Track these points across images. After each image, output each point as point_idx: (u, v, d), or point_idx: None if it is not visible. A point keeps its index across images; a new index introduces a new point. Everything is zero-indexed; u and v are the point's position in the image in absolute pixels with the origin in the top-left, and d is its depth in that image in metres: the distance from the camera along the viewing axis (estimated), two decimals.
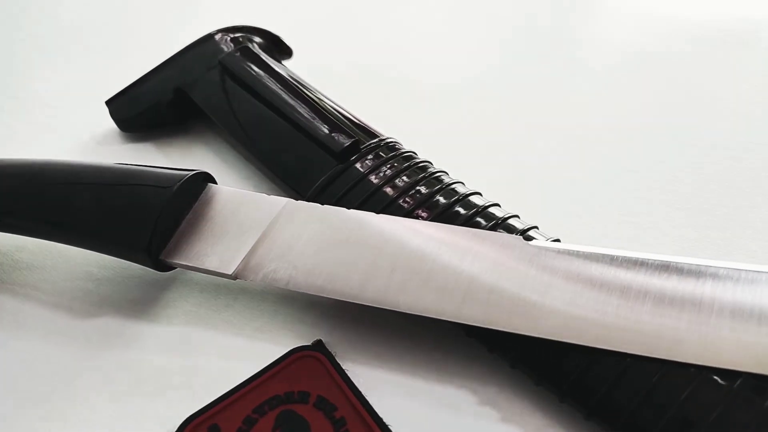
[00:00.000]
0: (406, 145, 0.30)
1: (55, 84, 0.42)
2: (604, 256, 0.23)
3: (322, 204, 0.27)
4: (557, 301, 0.22)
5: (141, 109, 0.35)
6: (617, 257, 0.23)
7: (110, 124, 0.37)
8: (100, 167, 0.28)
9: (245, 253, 0.25)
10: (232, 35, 0.36)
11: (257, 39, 0.37)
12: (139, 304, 0.29)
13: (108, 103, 0.36)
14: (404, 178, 0.28)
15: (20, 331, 0.28)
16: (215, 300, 0.28)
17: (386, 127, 0.32)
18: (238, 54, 0.34)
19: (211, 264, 0.25)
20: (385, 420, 0.22)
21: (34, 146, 0.38)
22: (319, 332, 0.26)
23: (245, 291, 0.28)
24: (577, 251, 0.23)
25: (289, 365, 0.24)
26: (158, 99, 0.35)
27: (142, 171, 0.27)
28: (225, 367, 0.25)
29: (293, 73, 0.34)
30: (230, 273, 0.25)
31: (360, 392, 0.23)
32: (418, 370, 0.25)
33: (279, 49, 0.37)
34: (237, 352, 0.26)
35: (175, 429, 0.23)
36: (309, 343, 0.25)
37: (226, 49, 0.35)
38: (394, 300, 0.23)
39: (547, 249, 0.23)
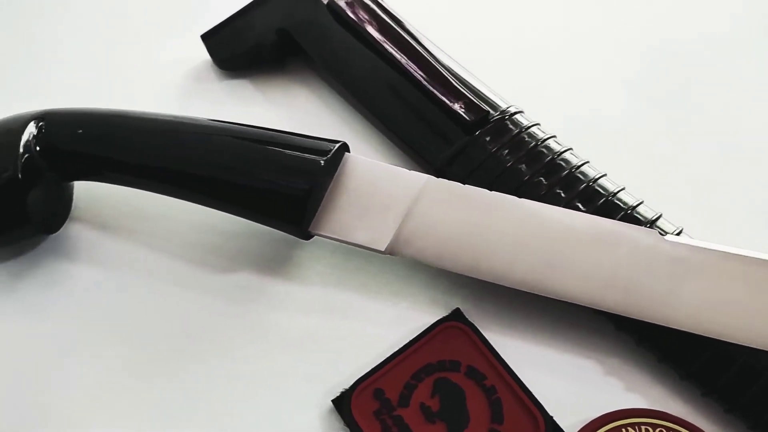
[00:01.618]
0: (528, 112, 0.31)
1: (150, 14, 0.39)
2: (735, 255, 0.25)
3: (451, 178, 0.28)
4: (689, 295, 0.25)
5: (241, 49, 0.34)
6: (748, 257, 0.25)
7: (204, 57, 0.36)
8: (241, 130, 0.28)
9: (394, 230, 0.27)
10: None
11: None
12: (272, 262, 0.30)
13: (204, 37, 0.35)
14: (533, 155, 0.29)
15: (159, 284, 0.30)
16: (347, 263, 0.30)
17: (504, 89, 0.32)
18: (345, 1, 0.32)
19: (361, 239, 0.27)
20: (529, 389, 0.26)
21: (131, 81, 0.36)
22: (454, 299, 0.29)
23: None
24: (710, 248, 0.25)
25: (437, 335, 0.27)
26: (260, 39, 0.34)
27: (289, 140, 0.27)
28: (368, 332, 0.28)
29: (408, 23, 0.33)
30: (382, 249, 0.27)
31: (505, 362, 0.26)
32: (547, 338, 0.28)
33: None
34: (378, 317, 0.28)
35: (341, 390, 0.26)
36: (447, 312, 0.28)
37: None
38: (539, 284, 0.26)
39: (680, 244, 0.26)
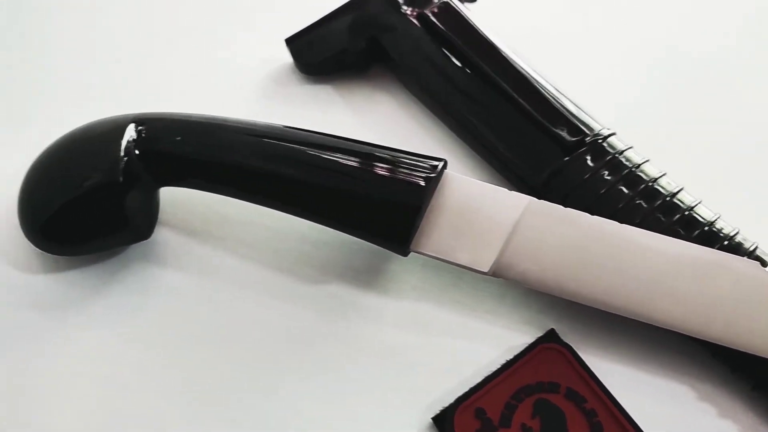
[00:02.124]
0: (620, 133, 0.31)
1: (233, 14, 0.39)
2: None
3: (547, 199, 0.28)
4: None
5: (327, 54, 0.34)
6: None
7: (286, 60, 0.36)
8: (343, 144, 0.28)
9: (498, 252, 0.27)
10: None
11: None
12: (363, 274, 0.30)
13: (288, 41, 0.34)
14: (630, 179, 0.29)
15: (248, 292, 0.30)
16: (439, 278, 0.30)
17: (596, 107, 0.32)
18: (442, 10, 0.32)
19: (464, 259, 0.27)
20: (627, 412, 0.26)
21: (212, 81, 0.36)
22: (547, 319, 0.29)
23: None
24: None
25: (536, 356, 0.27)
26: (347, 45, 0.34)
27: (393, 156, 0.27)
28: (464, 349, 0.28)
29: (500, 38, 0.33)
30: (485, 271, 0.27)
31: (603, 385, 0.27)
32: (641, 360, 0.28)
33: None
34: (473, 334, 0.29)
35: (441, 408, 0.27)
36: (541, 331, 0.28)
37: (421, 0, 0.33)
38: (641, 311, 0.26)
39: None
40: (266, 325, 0.29)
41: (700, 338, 0.26)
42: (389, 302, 0.30)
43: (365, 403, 0.27)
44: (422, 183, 0.27)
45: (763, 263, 0.27)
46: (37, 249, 0.29)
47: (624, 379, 0.27)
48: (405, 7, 0.33)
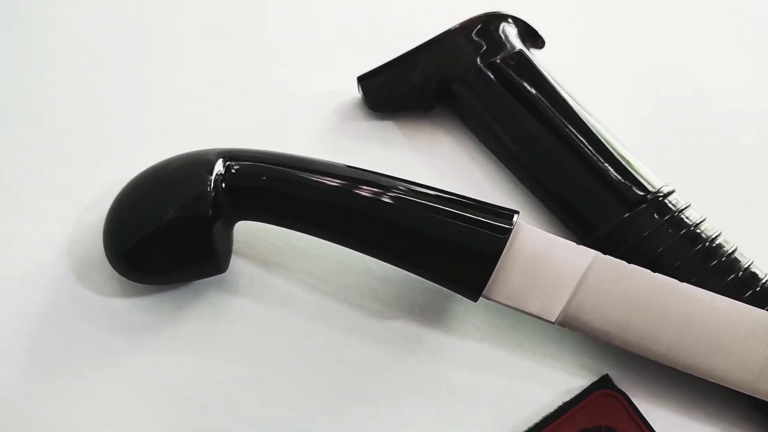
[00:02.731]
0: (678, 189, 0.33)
1: (302, 49, 0.39)
2: None
3: (606, 252, 0.30)
4: None
5: (397, 95, 0.35)
6: None
7: (353, 94, 0.37)
8: (421, 191, 0.29)
9: (565, 302, 0.29)
10: (495, 27, 0.35)
11: (515, 27, 0.36)
12: (428, 312, 0.32)
13: (360, 79, 0.35)
14: (689, 237, 0.31)
15: (319, 323, 0.32)
16: (501, 319, 0.32)
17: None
18: (515, 62, 0.34)
19: (533, 309, 0.29)
20: None
21: (277, 112, 0.37)
22: (602, 365, 0.31)
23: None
24: None
25: (592, 402, 0.29)
26: (417, 88, 0.35)
27: (469, 205, 0.29)
28: (525, 390, 0.30)
29: (569, 91, 0.34)
30: (553, 320, 0.29)
31: (654, 430, 0.29)
32: (687, 408, 0.30)
33: (531, 39, 0.37)
34: (533, 376, 0.31)
35: None
36: (596, 376, 0.30)
37: (494, 45, 0.34)
38: (698, 368, 0.28)
39: None
40: (335, 356, 0.31)
41: (750, 394, 0.28)
42: (453, 341, 0.31)
43: None
44: (500, 234, 0.28)
45: None
46: (120, 276, 0.30)
47: (673, 425, 0.30)
48: (479, 54, 0.34)
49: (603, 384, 0.30)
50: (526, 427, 0.29)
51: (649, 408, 0.30)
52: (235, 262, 0.32)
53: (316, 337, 0.31)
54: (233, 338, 0.31)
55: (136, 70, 0.38)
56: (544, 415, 0.29)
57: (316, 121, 0.37)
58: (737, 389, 0.28)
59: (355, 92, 0.37)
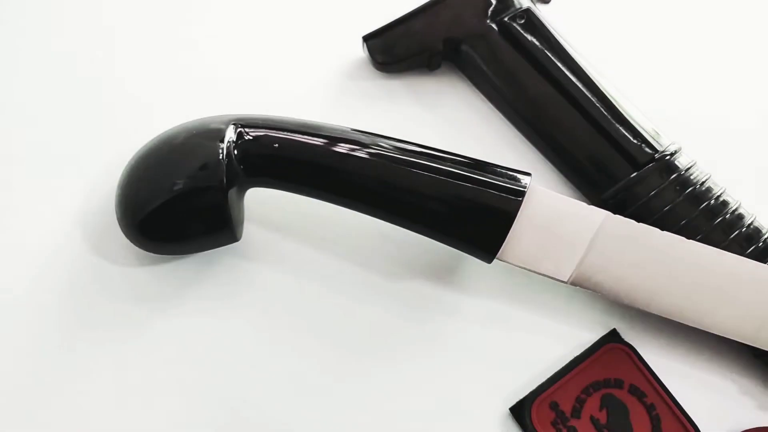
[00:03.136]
0: (685, 147, 0.33)
1: (307, 9, 0.38)
2: None
3: (615, 211, 0.31)
4: None
5: (404, 55, 0.34)
6: None
7: (359, 55, 0.36)
8: (437, 156, 0.29)
9: (576, 263, 0.29)
10: None
11: None
12: (442, 272, 0.33)
13: (366, 38, 0.34)
14: (695, 196, 0.31)
15: (334, 288, 0.32)
16: (512, 277, 0.32)
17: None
18: (524, 20, 0.33)
19: (547, 269, 0.29)
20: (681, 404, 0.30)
21: (286, 75, 0.37)
22: (610, 319, 0.32)
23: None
24: None
25: (602, 355, 0.30)
26: (424, 48, 0.34)
27: (485, 169, 0.29)
28: (536, 345, 0.31)
29: (575, 48, 0.34)
30: (565, 280, 0.29)
31: (661, 381, 0.30)
32: (693, 357, 0.31)
33: None
34: (544, 331, 0.32)
35: (517, 400, 0.30)
36: (605, 330, 0.31)
37: (502, 4, 0.34)
38: (705, 321, 0.29)
39: None
40: (353, 318, 0.31)
41: (752, 345, 0.29)
42: (467, 299, 0.32)
43: (446, 393, 0.30)
44: (514, 196, 0.28)
45: None
46: (134, 246, 0.30)
47: (677, 374, 0.31)
48: (486, 12, 0.34)
49: (612, 338, 0.31)
50: (540, 382, 0.30)
51: (656, 358, 0.31)
52: (249, 229, 0.32)
53: (332, 300, 0.32)
54: (251, 303, 0.31)
55: (141, 37, 0.37)
56: (557, 369, 0.30)
57: (323, 82, 0.36)
58: (740, 341, 0.29)
59: (361, 52, 0.36)
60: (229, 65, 0.36)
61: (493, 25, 0.34)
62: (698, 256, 0.30)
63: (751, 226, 0.31)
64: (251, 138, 0.29)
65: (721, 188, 0.32)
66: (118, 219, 0.30)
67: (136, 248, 0.30)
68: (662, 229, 0.30)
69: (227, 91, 0.35)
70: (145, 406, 0.29)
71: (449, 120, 0.36)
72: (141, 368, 0.30)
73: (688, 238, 0.30)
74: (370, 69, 0.36)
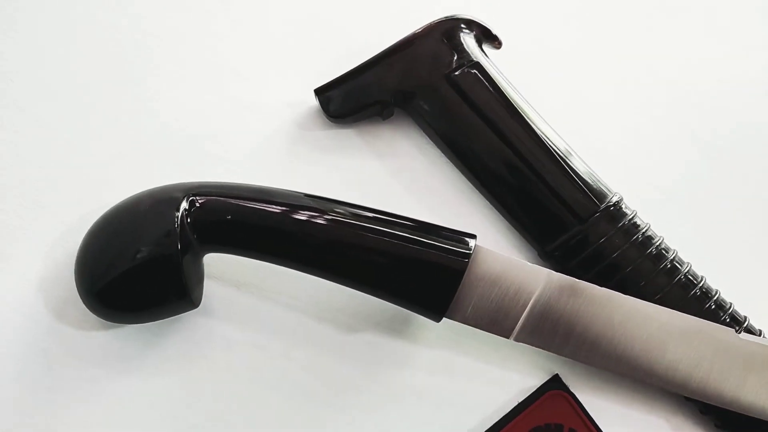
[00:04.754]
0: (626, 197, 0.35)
1: (258, 60, 0.38)
2: None
3: (560, 261, 0.32)
4: (755, 386, 0.31)
5: (356, 107, 0.35)
6: None
7: (311, 104, 0.37)
8: (386, 220, 0.30)
9: (520, 324, 0.31)
10: (451, 34, 0.34)
11: (471, 31, 0.35)
12: (395, 323, 0.34)
13: (317, 92, 0.35)
14: (637, 245, 0.33)
15: (292, 341, 0.34)
16: (461, 328, 0.33)
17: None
18: (472, 73, 0.34)
19: (491, 329, 0.31)
20: None
21: (238, 124, 0.37)
22: (553, 365, 0.34)
23: None
24: None
25: (544, 401, 0.32)
26: (376, 99, 0.35)
27: (432, 232, 0.30)
28: (485, 391, 0.33)
29: (524, 99, 0.35)
30: (510, 338, 0.31)
31: (597, 425, 0.32)
32: (628, 399, 0.34)
33: (488, 41, 0.36)
34: (492, 378, 0.34)
35: None
36: (547, 375, 0.33)
37: (452, 56, 0.34)
38: (635, 373, 0.31)
39: (751, 342, 0.31)
40: (311, 370, 0.33)
41: (682, 395, 0.32)
42: (418, 349, 0.34)
43: None
44: (459, 258, 0.30)
45: (738, 325, 0.32)
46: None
47: (615, 415, 0.33)
48: (436, 66, 0.34)
49: (553, 384, 0.33)
50: (485, 428, 0.32)
51: (595, 401, 0.33)
52: (208, 285, 0.33)
53: (291, 353, 0.33)
54: (212, 359, 0.33)
55: (92, 101, 0.37)
56: (502, 414, 0.32)
57: (277, 133, 0.37)
58: (671, 390, 0.31)
59: (314, 101, 0.37)
60: (182, 124, 0.36)
61: (444, 78, 0.34)
62: (631, 310, 0.31)
63: (688, 274, 0.33)
64: (204, 206, 0.30)
65: (659, 237, 0.34)
66: (77, 288, 0.31)
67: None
68: (610, 276, 0.32)
69: (183, 151, 0.36)
70: None
71: (402, 168, 0.37)
72: (106, 427, 0.31)
73: (632, 281, 0.32)
74: (323, 119, 0.37)
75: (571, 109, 0.39)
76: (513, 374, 0.34)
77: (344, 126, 0.37)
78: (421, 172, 0.37)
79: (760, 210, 0.38)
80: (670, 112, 0.41)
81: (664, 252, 0.33)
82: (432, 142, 0.37)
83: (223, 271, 0.34)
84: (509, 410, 0.32)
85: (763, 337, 0.33)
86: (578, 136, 0.36)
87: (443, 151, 0.36)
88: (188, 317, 0.33)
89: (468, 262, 0.30)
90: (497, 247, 0.34)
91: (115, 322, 0.32)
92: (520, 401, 0.33)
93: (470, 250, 0.30)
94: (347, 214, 0.31)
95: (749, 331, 0.33)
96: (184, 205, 0.30)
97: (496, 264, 0.31)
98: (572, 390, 0.33)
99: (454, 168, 0.37)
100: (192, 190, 0.31)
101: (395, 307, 0.33)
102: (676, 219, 0.37)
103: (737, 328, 0.32)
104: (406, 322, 0.34)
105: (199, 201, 0.30)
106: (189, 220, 0.30)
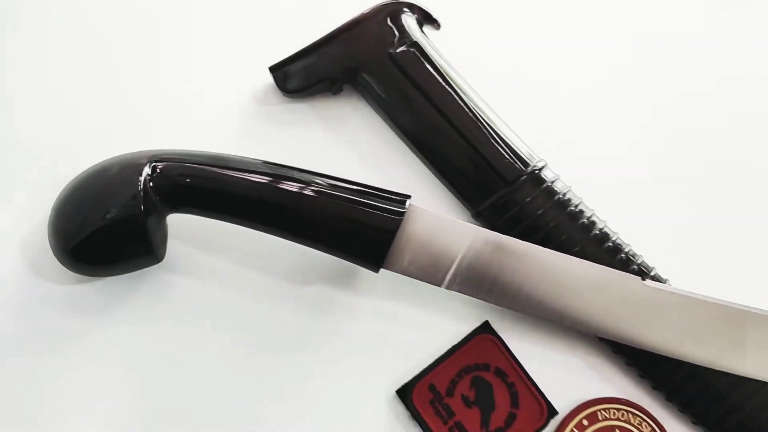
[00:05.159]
0: (551, 163, 0.38)
1: (218, 42, 0.42)
2: (688, 297, 0.35)
3: (489, 220, 0.36)
4: (657, 324, 0.35)
5: (307, 84, 0.39)
6: (698, 299, 0.35)
7: (268, 81, 0.40)
8: (331, 183, 0.34)
9: (450, 274, 0.35)
10: (394, 16, 0.38)
11: (413, 14, 0.39)
12: (341, 277, 0.38)
13: (272, 69, 0.38)
14: (558, 204, 0.37)
15: (249, 294, 0.37)
16: (399, 281, 0.37)
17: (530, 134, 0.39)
18: (411, 51, 0.37)
19: (424, 278, 0.35)
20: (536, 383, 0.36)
21: (199, 103, 0.41)
22: (484, 312, 0.38)
23: None
24: (679, 292, 0.35)
25: (474, 344, 0.36)
26: (326, 75, 0.38)
27: (372, 193, 0.34)
28: (421, 337, 0.37)
29: (459, 74, 0.39)
30: (441, 287, 0.35)
31: (521, 363, 0.36)
32: (548, 342, 0.38)
33: (429, 22, 0.40)
34: (428, 325, 0.37)
35: (402, 384, 0.36)
36: (479, 322, 0.37)
37: (394, 36, 0.38)
38: (554, 317, 0.35)
39: (654, 288, 0.35)
40: (265, 320, 0.37)
41: (596, 335, 0.36)
42: (362, 300, 0.38)
43: (344, 380, 0.36)
44: (394, 216, 0.34)
45: (644, 275, 0.36)
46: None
47: (536, 356, 0.37)
48: (380, 45, 0.38)
49: (483, 329, 0.37)
50: (421, 368, 0.36)
51: (520, 345, 0.37)
52: (173, 244, 0.37)
53: (248, 306, 0.37)
54: (177, 311, 0.37)
55: (69, 79, 0.40)
56: (436, 357, 0.37)
57: (236, 108, 0.41)
58: (585, 332, 0.36)
59: (270, 79, 0.40)
60: (149, 100, 0.40)
61: (386, 57, 0.38)
62: (550, 261, 0.35)
63: (603, 230, 0.37)
64: (165, 172, 0.34)
65: (579, 198, 0.38)
66: (51, 247, 0.34)
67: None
68: (532, 232, 0.36)
69: (149, 125, 0.40)
70: (84, 408, 0.34)
71: (351, 139, 0.41)
72: (83, 375, 0.35)
73: (554, 237, 0.36)
74: (279, 95, 0.40)
75: (506, 84, 0.42)
76: (448, 321, 0.37)
77: (298, 101, 0.41)
78: (368, 141, 0.41)
79: (671, 177, 0.43)
80: (595, 87, 0.45)
81: (582, 211, 0.37)
82: (377, 114, 0.41)
83: (186, 231, 0.37)
84: (443, 353, 0.36)
85: (668, 284, 0.37)
86: (512, 108, 0.40)
87: (387, 122, 0.40)
88: (154, 272, 0.37)
89: (402, 218, 0.34)
90: (435, 208, 0.37)
91: (87, 275, 0.35)
92: (452, 345, 0.37)
93: (404, 208, 0.34)
94: (295, 177, 0.34)
95: (656, 279, 0.37)
96: (147, 170, 0.33)
97: (429, 221, 0.35)
98: (500, 334, 0.37)
99: (397, 137, 0.40)
100: (155, 157, 0.34)
101: (342, 263, 0.37)
102: (595, 182, 0.40)
103: (644, 276, 0.36)
104: (352, 276, 0.38)
105: (161, 167, 0.34)
106: (152, 184, 0.33)
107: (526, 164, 0.37)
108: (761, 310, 0.35)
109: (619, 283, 0.35)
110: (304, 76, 0.39)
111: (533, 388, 0.36)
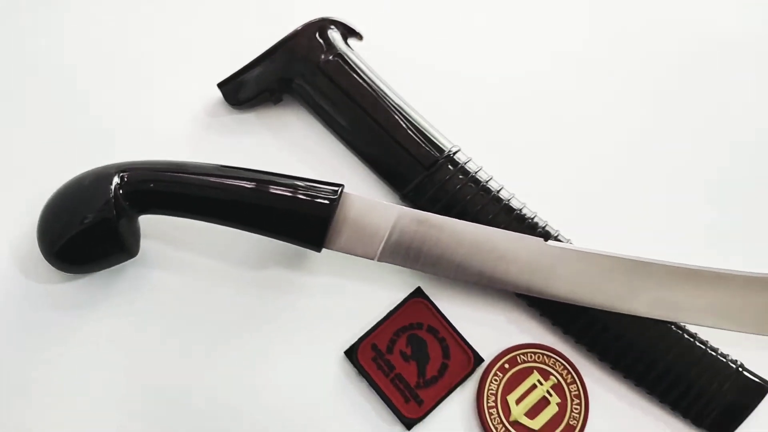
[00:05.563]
0: (464, 148, 0.45)
1: (169, 63, 0.48)
2: (585, 253, 0.41)
3: (414, 201, 0.42)
4: (558, 277, 0.41)
5: (250, 96, 0.45)
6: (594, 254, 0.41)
7: (216, 95, 0.46)
8: (272, 179, 0.40)
9: (380, 248, 0.41)
10: (321, 32, 0.45)
11: (338, 30, 0.45)
12: (292, 259, 0.44)
13: (220, 85, 0.44)
14: (473, 182, 0.43)
15: (214, 279, 0.43)
16: (345, 257, 0.43)
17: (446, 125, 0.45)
18: (337, 61, 0.44)
19: (359, 252, 0.41)
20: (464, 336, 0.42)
21: (158, 117, 0.47)
22: (416, 281, 0.44)
23: None
24: (577, 248, 0.41)
25: (408, 307, 0.42)
26: (266, 87, 0.45)
27: (309, 184, 0.40)
28: (363, 305, 0.43)
29: (381, 78, 0.45)
30: (374, 259, 0.41)
31: (449, 321, 0.42)
32: (473, 302, 0.44)
33: (352, 35, 0.46)
34: (369, 295, 0.43)
35: (349, 345, 0.41)
36: (412, 288, 0.43)
37: (322, 49, 0.44)
38: (473, 277, 0.41)
39: (554, 246, 0.41)
40: (229, 303, 0.43)
41: (508, 290, 0.42)
42: (311, 278, 0.44)
43: (297, 346, 0.42)
44: (329, 202, 0.40)
45: (546, 238, 0.42)
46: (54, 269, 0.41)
47: (463, 314, 0.43)
48: (309, 57, 0.44)
49: (416, 294, 0.43)
50: (365, 331, 0.42)
51: (449, 306, 0.43)
52: (147, 242, 0.43)
53: (214, 291, 0.43)
54: (152, 300, 0.42)
55: (43, 105, 0.47)
56: (377, 321, 0.42)
57: (190, 121, 0.47)
58: (499, 287, 0.42)
59: (218, 93, 0.46)
60: (113, 116, 0.47)
61: (316, 66, 0.44)
62: (466, 231, 0.41)
63: (510, 202, 0.43)
64: (131, 180, 0.40)
65: (488, 176, 0.44)
66: (40, 249, 0.40)
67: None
68: (452, 207, 0.42)
69: (115, 136, 0.46)
70: (70, 393, 0.40)
71: (293, 141, 0.47)
72: (69, 366, 0.40)
73: (470, 210, 0.42)
74: (228, 107, 0.47)
75: (423, 82, 0.49)
76: (386, 290, 0.43)
77: (244, 111, 0.47)
78: (307, 142, 0.47)
79: (576, 153, 0.49)
80: (504, 81, 0.51)
81: (492, 186, 0.43)
82: (314, 118, 0.47)
83: (158, 230, 0.43)
84: (383, 317, 0.42)
85: (569, 243, 0.43)
86: (429, 103, 0.46)
87: (322, 124, 0.46)
88: (131, 268, 0.42)
89: (337, 203, 0.40)
90: (367, 194, 0.44)
91: (72, 273, 0.41)
92: (390, 310, 0.43)
93: (338, 195, 0.40)
94: (244, 176, 0.40)
95: (559, 240, 0.43)
96: (116, 180, 0.39)
97: (360, 204, 0.41)
98: (431, 298, 0.43)
99: (332, 136, 0.47)
100: (122, 168, 0.40)
101: (293, 248, 0.43)
102: (503, 162, 0.46)
103: (546, 238, 0.42)
104: (302, 259, 0.44)
105: (128, 176, 0.40)
106: (121, 191, 0.39)
107: (441, 151, 0.44)
108: (650, 259, 0.41)
109: (526, 244, 0.42)
110: (248, 89, 0.45)
111: (461, 341, 0.42)
